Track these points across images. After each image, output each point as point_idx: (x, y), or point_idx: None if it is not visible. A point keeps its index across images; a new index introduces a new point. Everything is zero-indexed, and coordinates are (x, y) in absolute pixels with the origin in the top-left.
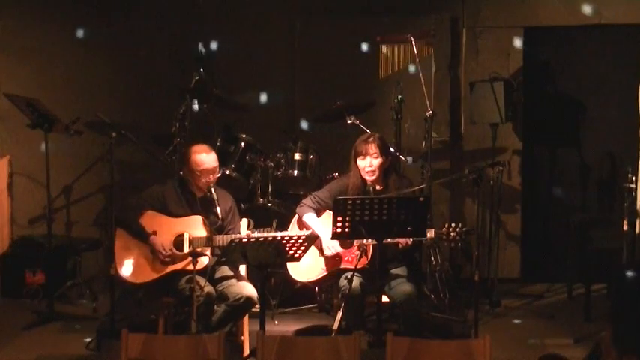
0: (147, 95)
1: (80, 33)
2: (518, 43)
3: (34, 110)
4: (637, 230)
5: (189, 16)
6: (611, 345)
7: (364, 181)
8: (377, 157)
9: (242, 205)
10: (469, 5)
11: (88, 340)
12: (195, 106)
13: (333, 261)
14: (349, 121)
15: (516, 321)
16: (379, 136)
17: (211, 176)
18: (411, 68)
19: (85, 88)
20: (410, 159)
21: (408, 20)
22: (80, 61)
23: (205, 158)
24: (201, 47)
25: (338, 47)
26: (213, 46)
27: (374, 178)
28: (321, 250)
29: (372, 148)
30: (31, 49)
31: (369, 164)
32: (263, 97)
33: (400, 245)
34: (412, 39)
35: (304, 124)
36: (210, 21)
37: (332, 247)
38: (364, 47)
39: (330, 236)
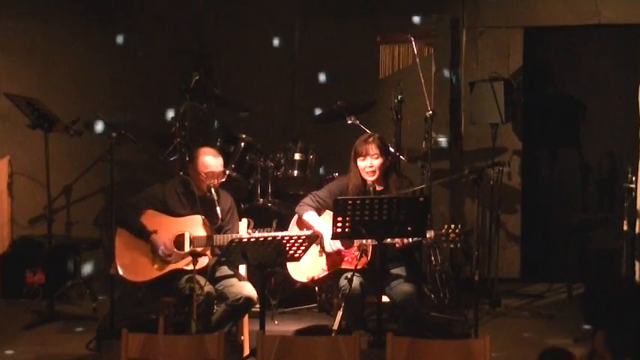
0: (147, 95)
1: (80, 33)
2: (518, 43)
3: (34, 110)
4: (637, 230)
5: (189, 16)
6: (606, 348)
7: (364, 181)
8: (377, 158)
9: (242, 205)
10: (469, 5)
11: (88, 340)
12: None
13: (334, 258)
14: (349, 121)
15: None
16: (379, 136)
17: (215, 180)
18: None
19: (85, 88)
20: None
21: (408, 20)
22: (80, 61)
23: (212, 161)
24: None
25: (338, 47)
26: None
27: (374, 178)
28: (321, 250)
29: (372, 149)
30: (31, 49)
31: (369, 164)
32: (263, 97)
33: (397, 244)
34: (412, 39)
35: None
36: (211, 21)
37: (334, 243)
38: (364, 47)
39: (331, 236)
